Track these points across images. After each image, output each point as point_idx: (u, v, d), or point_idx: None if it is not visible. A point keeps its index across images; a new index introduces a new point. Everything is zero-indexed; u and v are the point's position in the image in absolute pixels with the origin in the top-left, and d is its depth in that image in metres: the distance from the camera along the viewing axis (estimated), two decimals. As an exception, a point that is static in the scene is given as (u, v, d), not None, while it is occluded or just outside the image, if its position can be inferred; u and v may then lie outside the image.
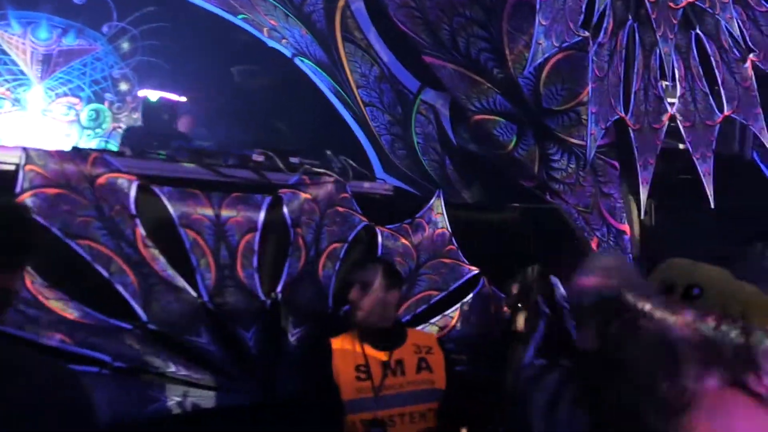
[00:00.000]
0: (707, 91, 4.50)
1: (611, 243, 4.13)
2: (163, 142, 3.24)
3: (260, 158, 3.15)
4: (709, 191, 4.33)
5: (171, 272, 2.59)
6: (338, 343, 2.39)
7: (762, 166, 5.43)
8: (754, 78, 4.72)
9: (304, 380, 2.52)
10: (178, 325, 2.54)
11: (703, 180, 4.35)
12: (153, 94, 4.07)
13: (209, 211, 2.78)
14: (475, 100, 4.06)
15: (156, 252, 2.57)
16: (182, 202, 2.70)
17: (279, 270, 2.87)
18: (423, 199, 3.58)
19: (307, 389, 2.43)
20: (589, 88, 3.89)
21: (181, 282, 2.60)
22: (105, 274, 2.42)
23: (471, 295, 3.30)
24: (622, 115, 4.04)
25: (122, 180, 2.58)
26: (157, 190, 2.64)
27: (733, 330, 1.13)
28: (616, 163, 4.22)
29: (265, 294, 2.80)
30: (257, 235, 2.87)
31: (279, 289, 2.84)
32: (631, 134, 4.09)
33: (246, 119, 4.70)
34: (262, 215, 2.90)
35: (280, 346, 2.73)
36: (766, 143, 4.82)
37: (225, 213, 2.82)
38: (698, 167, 4.34)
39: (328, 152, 3.50)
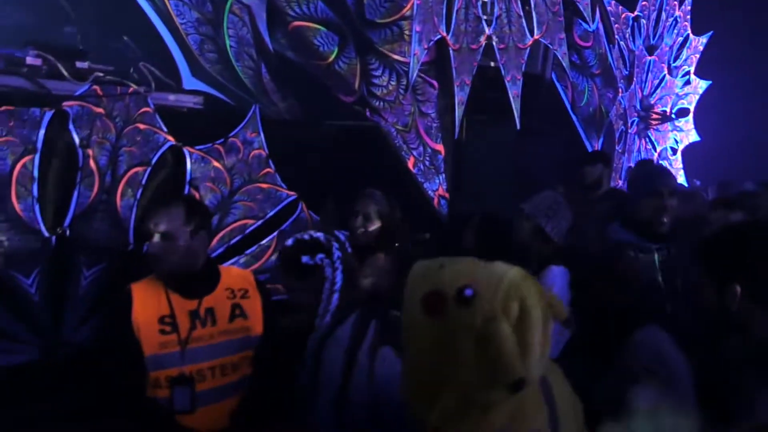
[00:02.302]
0: (521, 13, 4.60)
1: (426, 162, 4.19)
2: None
3: (37, 62, 2.60)
4: (517, 113, 4.54)
5: None
6: (140, 291, 2.10)
7: (559, 87, 5.84)
8: (562, 4, 4.93)
9: (99, 334, 2.22)
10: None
11: (512, 102, 4.54)
12: None
13: (-31, 129, 2.26)
14: (294, 4, 3.73)
15: None
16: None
17: (66, 200, 2.48)
18: (237, 112, 3.28)
19: (101, 345, 2.13)
20: (414, 3, 3.76)
21: (-65, 220, 2.12)
22: None
23: (288, 222, 3.15)
24: (444, 34, 4.00)
25: None
26: None
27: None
28: (435, 83, 4.22)
29: (48, 230, 2.40)
30: (36, 158, 2.43)
31: (66, 223, 2.45)
32: (451, 54, 4.07)
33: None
34: (41, 134, 2.44)
35: (70, 292, 2.39)
36: (566, 67, 5.14)
37: (-9, 131, 2.31)
38: (508, 89, 4.51)
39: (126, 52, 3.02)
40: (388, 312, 1.93)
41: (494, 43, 4.37)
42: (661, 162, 7.93)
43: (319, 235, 1.90)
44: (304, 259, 1.87)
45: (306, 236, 1.91)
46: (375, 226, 2.84)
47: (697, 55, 8.08)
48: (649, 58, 7.33)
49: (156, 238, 2.06)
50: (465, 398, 1.13)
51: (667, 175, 2.92)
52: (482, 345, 1.11)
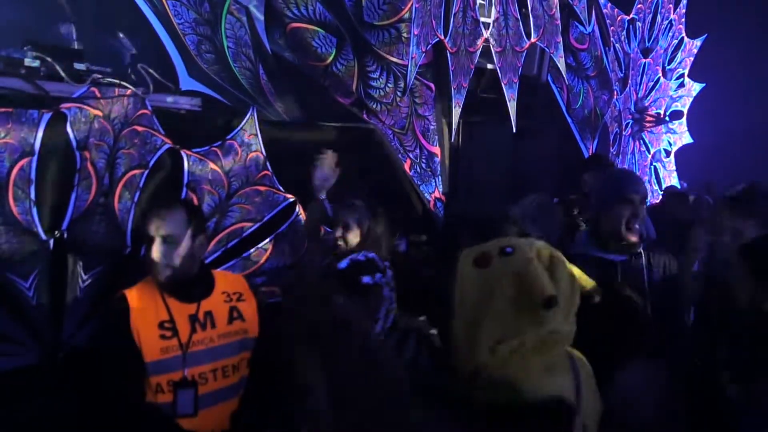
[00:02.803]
0: (518, 16, 4.61)
1: (423, 165, 4.20)
2: None
3: (35, 63, 2.59)
4: (513, 116, 4.55)
5: None
6: (136, 297, 2.08)
7: (554, 88, 5.86)
8: (558, 7, 4.94)
9: (97, 341, 2.21)
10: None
11: (508, 105, 4.55)
12: None
13: (-34, 131, 2.25)
14: (293, 5, 3.72)
15: None
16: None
17: (64, 203, 2.46)
18: (234, 113, 3.27)
19: (99, 352, 2.12)
20: (413, 6, 3.76)
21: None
22: None
23: (286, 225, 3.15)
24: (442, 37, 4.00)
25: None
26: None
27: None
28: (432, 85, 4.23)
29: (46, 232, 2.39)
30: (34, 160, 2.41)
31: (64, 226, 2.44)
32: (448, 57, 4.08)
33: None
34: (39, 136, 2.42)
35: (67, 295, 2.38)
36: (562, 70, 5.15)
37: (-11, 133, 2.30)
38: (505, 92, 4.52)
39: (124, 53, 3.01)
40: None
41: (491, 46, 4.38)
42: (654, 164, 7.97)
43: (373, 255, 1.89)
44: (366, 279, 1.84)
45: (361, 257, 1.89)
46: (354, 236, 2.82)
47: (692, 58, 8.12)
48: (643, 60, 7.36)
49: (158, 241, 2.05)
50: (504, 334, 1.28)
51: (637, 181, 2.58)
52: (519, 283, 1.30)
